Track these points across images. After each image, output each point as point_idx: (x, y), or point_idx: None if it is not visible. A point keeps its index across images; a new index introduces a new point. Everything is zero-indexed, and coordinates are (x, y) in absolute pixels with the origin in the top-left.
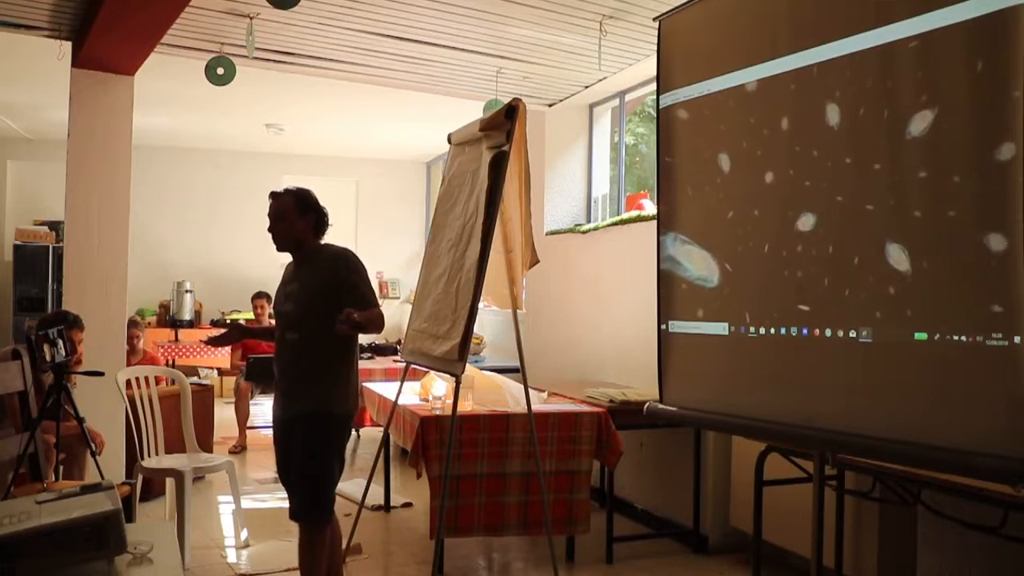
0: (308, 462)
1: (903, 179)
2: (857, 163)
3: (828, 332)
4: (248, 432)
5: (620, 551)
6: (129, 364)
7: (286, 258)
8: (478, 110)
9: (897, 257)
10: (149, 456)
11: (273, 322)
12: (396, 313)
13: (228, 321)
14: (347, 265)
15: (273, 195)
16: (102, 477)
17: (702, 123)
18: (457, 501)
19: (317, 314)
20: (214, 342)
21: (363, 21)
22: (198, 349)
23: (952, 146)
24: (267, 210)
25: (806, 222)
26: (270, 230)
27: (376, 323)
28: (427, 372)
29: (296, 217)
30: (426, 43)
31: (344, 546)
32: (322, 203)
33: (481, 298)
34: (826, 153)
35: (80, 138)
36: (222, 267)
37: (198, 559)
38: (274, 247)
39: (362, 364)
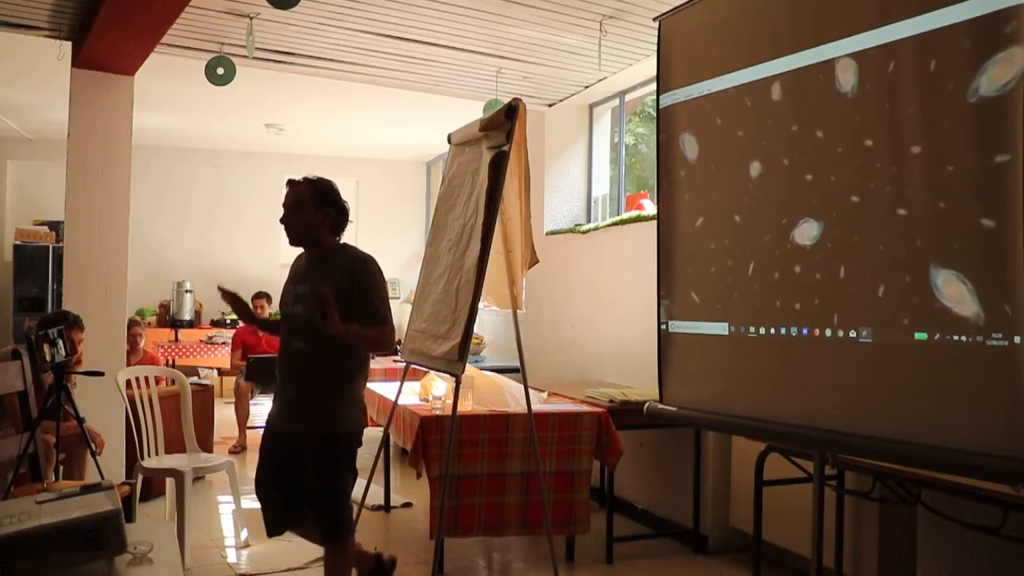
0: (326, 486)
1: (961, 168)
2: (882, 145)
3: (828, 332)
4: (248, 432)
5: (620, 551)
6: (130, 364)
7: (287, 258)
8: (478, 110)
9: (953, 292)
10: (149, 456)
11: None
12: (396, 313)
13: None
14: (364, 271)
15: (290, 183)
16: (102, 477)
17: (702, 122)
18: (457, 501)
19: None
20: (231, 301)
21: (363, 21)
22: (198, 349)
23: None
24: (282, 200)
25: (807, 232)
26: (283, 220)
27: (380, 341)
28: (427, 372)
29: (312, 210)
30: (426, 43)
31: None
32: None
33: (481, 298)
34: (835, 133)
35: (80, 138)
36: (222, 267)
37: (198, 559)
38: (271, 245)
39: None
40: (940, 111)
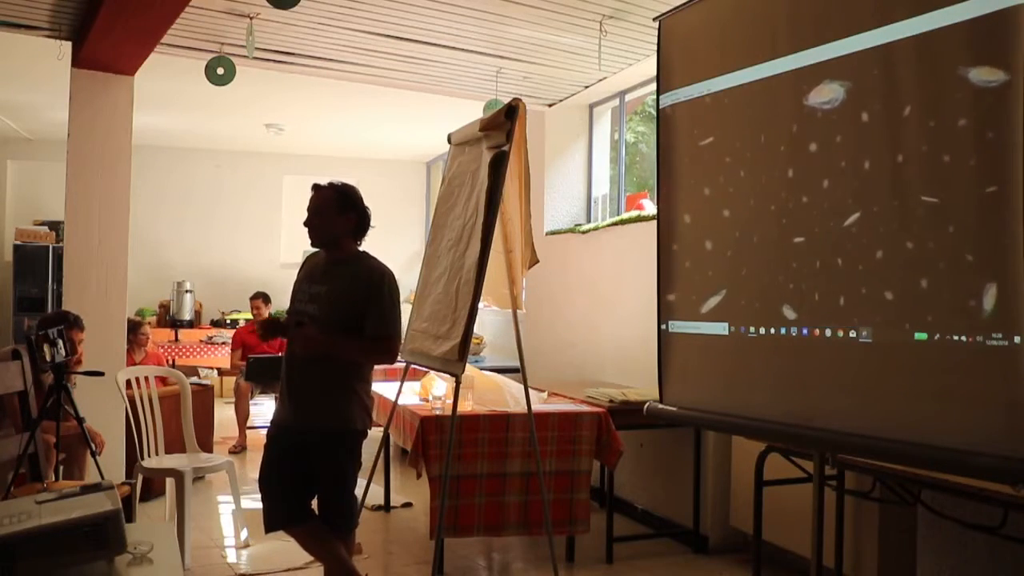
0: (335, 483)
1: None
2: (883, 147)
3: (828, 332)
4: (248, 432)
5: (620, 551)
6: (136, 363)
7: (287, 258)
8: (478, 110)
9: (953, 292)
10: (149, 456)
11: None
12: None
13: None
14: (381, 283)
15: (315, 187)
16: (102, 477)
17: (702, 123)
18: (457, 501)
19: (342, 326)
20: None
21: (363, 21)
22: (198, 349)
23: None
24: (307, 203)
25: (806, 232)
26: (306, 223)
27: (376, 352)
28: (427, 372)
29: (335, 214)
30: (426, 43)
31: None
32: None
33: (481, 298)
34: (835, 133)
35: (80, 138)
36: (222, 267)
37: (198, 559)
38: (271, 245)
39: None
40: (940, 111)
